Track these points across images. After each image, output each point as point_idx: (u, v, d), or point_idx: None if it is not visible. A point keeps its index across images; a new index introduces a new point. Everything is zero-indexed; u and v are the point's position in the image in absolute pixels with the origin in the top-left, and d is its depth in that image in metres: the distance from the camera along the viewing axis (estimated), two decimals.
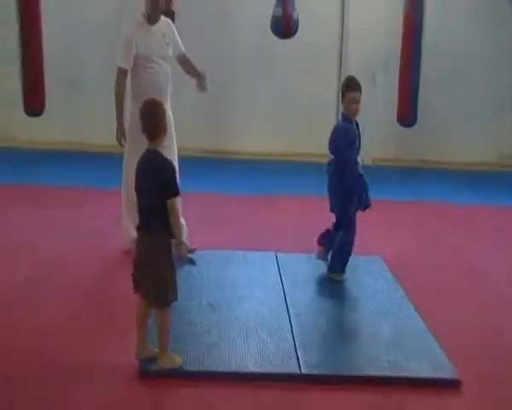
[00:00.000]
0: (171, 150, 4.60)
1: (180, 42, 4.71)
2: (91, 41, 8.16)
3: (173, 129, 4.63)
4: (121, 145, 4.50)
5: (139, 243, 3.15)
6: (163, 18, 4.61)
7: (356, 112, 4.18)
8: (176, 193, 3.05)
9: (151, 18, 4.47)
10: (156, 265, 3.06)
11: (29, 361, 3.21)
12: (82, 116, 8.30)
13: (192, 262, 4.34)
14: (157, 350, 3.18)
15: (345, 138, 4.17)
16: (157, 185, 3.03)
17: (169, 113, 4.61)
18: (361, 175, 4.24)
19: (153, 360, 3.17)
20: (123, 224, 4.64)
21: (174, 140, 4.64)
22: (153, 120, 3.09)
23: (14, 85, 7.06)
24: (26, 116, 7.10)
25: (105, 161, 7.28)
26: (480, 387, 3.20)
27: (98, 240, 4.97)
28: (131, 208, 4.50)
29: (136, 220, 4.48)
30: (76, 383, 3.04)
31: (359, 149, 4.30)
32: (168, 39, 4.56)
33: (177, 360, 3.17)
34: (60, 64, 7.73)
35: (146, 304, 3.15)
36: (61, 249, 4.77)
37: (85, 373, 3.13)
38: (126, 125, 4.55)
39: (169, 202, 3.02)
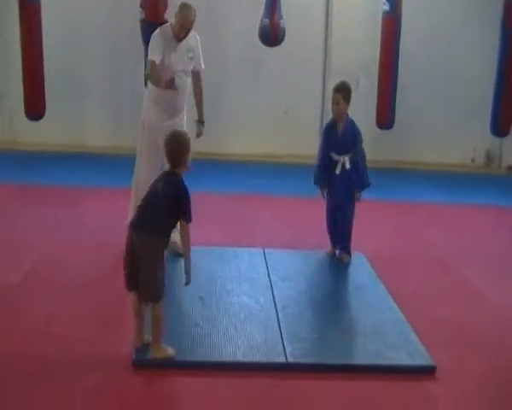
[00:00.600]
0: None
1: (202, 58, 4.67)
2: (90, 48, 8.10)
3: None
4: (174, 87, 4.27)
5: (135, 240, 3.09)
6: (192, 32, 4.55)
7: (334, 111, 4.37)
8: (189, 220, 3.12)
9: (178, 38, 4.46)
10: (151, 265, 3.05)
11: (26, 353, 3.19)
12: (81, 120, 8.24)
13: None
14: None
15: (322, 134, 4.63)
16: (172, 207, 3.09)
17: (183, 118, 4.64)
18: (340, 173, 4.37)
19: (147, 350, 3.15)
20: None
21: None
22: (176, 151, 3.19)
23: (16, 91, 7.04)
24: (27, 120, 7.08)
25: (102, 161, 7.26)
26: (455, 372, 3.22)
27: (96, 235, 4.94)
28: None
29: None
30: (72, 374, 3.01)
31: (341, 148, 4.40)
32: (192, 53, 4.54)
33: (170, 351, 3.15)
34: (59, 70, 7.66)
35: (139, 298, 3.14)
36: (60, 244, 4.73)
37: (81, 364, 3.11)
38: (141, 124, 4.57)
39: (183, 225, 3.11)
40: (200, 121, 4.76)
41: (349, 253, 4.57)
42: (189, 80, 4.58)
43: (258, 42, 7.22)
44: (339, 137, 4.43)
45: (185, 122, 4.61)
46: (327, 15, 8.25)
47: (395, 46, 7.25)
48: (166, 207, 3.08)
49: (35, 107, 6.97)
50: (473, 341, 3.61)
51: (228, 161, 8.04)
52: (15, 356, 3.15)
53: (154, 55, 4.34)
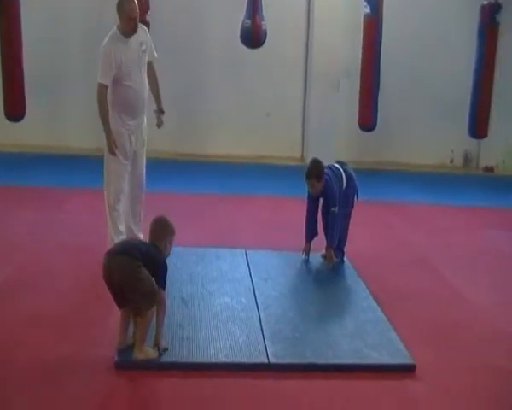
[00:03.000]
0: (142, 156, 4.61)
1: (153, 48, 4.60)
2: (70, 51, 8.03)
3: (146, 137, 4.60)
4: (114, 154, 4.35)
5: (115, 266, 3.06)
6: (139, 26, 4.44)
7: (311, 192, 4.47)
8: (163, 287, 3.15)
9: (127, 34, 4.33)
10: (140, 281, 3.05)
11: (8, 354, 3.14)
12: (60, 121, 8.17)
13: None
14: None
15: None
16: (152, 273, 3.11)
17: (144, 119, 4.58)
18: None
19: (130, 351, 3.13)
20: (108, 225, 4.53)
21: (145, 147, 4.63)
22: (161, 234, 3.25)
23: None
24: (7, 121, 6.99)
25: (84, 163, 7.19)
26: (434, 370, 3.24)
27: (78, 237, 4.89)
28: (113, 211, 4.47)
29: (119, 224, 4.44)
30: (55, 376, 2.98)
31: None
32: (145, 46, 4.45)
33: (152, 353, 3.13)
34: (39, 72, 7.58)
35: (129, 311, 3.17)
36: (43, 246, 4.68)
37: (64, 365, 3.07)
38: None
39: (160, 293, 3.13)
40: (160, 111, 4.68)
41: (343, 253, 4.64)
42: (145, 75, 4.48)
43: (240, 44, 7.22)
44: (322, 202, 4.57)
45: (145, 122, 4.56)
46: (308, 17, 8.28)
47: (376, 48, 7.27)
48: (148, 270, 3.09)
49: (15, 108, 6.89)
50: (451, 338, 3.64)
51: (210, 162, 8.03)
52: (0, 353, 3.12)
53: (104, 77, 4.24)
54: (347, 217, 4.60)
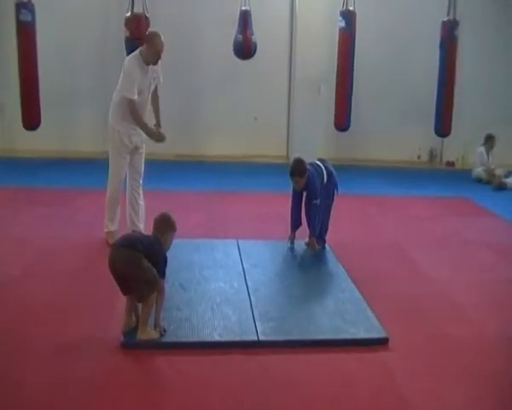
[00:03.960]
0: (141, 153, 4.62)
1: (162, 76, 4.60)
2: (82, 65, 7.97)
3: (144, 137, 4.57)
4: (163, 140, 4.45)
5: (119, 258, 3.03)
6: None
7: (296, 188, 4.38)
8: (163, 277, 3.10)
9: (149, 63, 4.36)
10: (142, 271, 3.00)
11: (22, 336, 3.10)
12: (71, 129, 8.11)
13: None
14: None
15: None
16: (153, 263, 3.06)
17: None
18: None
19: (134, 333, 3.08)
20: (105, 214, 4.57)
21: (144, 146, 4.64)
22: (163, 229, 3.21)
23: (14, 103, 6.86)
24: (25, 130, 6.91)
25: (93, 165, 7.10)
26: (405, 341, 3.23)
27: (86, 232, 4.83)
28: (114, 201, 4.46)
29: (116, 214, 4.47)
30: (65, 356, 2.94)
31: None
32: (156, 74, 4.49)
33: (154, 334, 3.09)
34: (53, 87, 7.52)
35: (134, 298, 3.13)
36: (54, 239, 4.62)
37: (75, 347, 3.03)
38: (111, 129, 4.44)
39: (160, 281, 3.08)
40: (158, 125, 4.66)
41: (324, 241, 4.58)
42: (150, 96, 4.52)
43: (233, 55, 7.17)
44: (305, 196, 4.46)
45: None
46: (291, 31, 8.23)
47: (350, 58, 7.26)
48: (145, 251, 3.04)
49: (31, 118, 6.83)
50: (419, 313, 3.62)
51: (205, 162, 7.97)
52: (16, 336, 3.09)
53: (132, 93, 4.25)
54: (328, 209, 4.56)
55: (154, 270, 3.04)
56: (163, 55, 4.42)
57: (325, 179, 4.45)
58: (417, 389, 2.81)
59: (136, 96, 4.27)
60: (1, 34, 7.52)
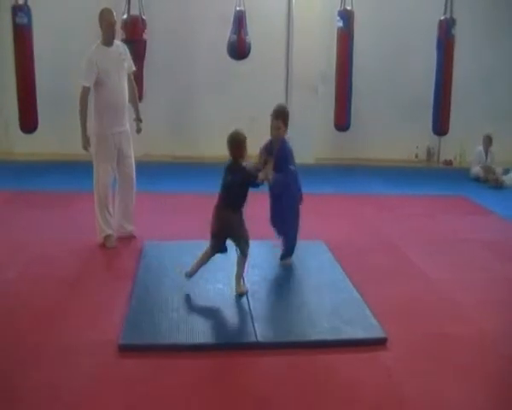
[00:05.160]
0: (130, 156, 4.60)
1: (132, 61, 4.61)
2: (78, 68, 7.92)
3: (131, 142, 4.57)
4: (86, 151, 4.44)
5: (224, 213, 3.61)
6: (118, 42, 4.58)
7: (273, 135, 4.00)
8: (256, 179, 3.64)
9: (107, 42, 4.40)
10: (240, 227, 3.61)
11: (20, 339, 3.10)
12: (68, 132, 8.07)
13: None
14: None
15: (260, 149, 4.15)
16: (245, 186, 3.61)
17: (126, 124, 4.53)
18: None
19: (133, 334, 3.09)
20: (98, 220, 4.53)
21: (131, 148, 4.61)
22: (236, 148, 3.64)
23: (12, 106, 6.86)
24: (22, 134, 6.92)
25: (90, 168, 7.09)
26: (403, 341, 3.24)
27: (82, 232, 4.83)
28: (103, 207, 4.44)
29: (109, 218, 4.45)
30: (64, 358, 2.94)
31: (275, 166, 3.95)
32: (124, 56, 4.49)
33: (244, 288, 3.62)
34: (50, 91, 7.51)
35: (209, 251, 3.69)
36: (53, 242, 4.63)
37: (74, 347, 3.04)
38: (92, 135, 4.44)
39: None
40: (138, 119, 4.67)
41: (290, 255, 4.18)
42: (125, 84, 4.48)
43: (227, 56, 7.17)
44: (274, 156, 3.95)
45: (129, 129, 4.56)
46: (288, 30, 8.23)
47: (349, 58, 7.27)
48: (240, 191, 3.59)
49: (28, 121, 6.84)
50: (416, 312, 3.63)
51: (201, 163, 7.96)
52: (11, 342, 3.08)
53: (85, 79, 4.30)
54: (297, 215, 4.12)
55: (247, 231, 3.60)
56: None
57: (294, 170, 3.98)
58: (416, 389, 2.82)
59: (88, 84, 4.26)
60: None
